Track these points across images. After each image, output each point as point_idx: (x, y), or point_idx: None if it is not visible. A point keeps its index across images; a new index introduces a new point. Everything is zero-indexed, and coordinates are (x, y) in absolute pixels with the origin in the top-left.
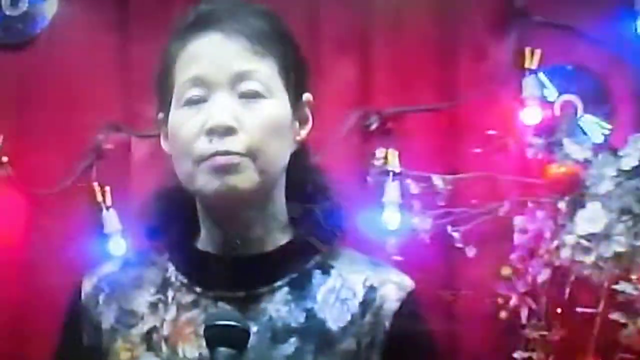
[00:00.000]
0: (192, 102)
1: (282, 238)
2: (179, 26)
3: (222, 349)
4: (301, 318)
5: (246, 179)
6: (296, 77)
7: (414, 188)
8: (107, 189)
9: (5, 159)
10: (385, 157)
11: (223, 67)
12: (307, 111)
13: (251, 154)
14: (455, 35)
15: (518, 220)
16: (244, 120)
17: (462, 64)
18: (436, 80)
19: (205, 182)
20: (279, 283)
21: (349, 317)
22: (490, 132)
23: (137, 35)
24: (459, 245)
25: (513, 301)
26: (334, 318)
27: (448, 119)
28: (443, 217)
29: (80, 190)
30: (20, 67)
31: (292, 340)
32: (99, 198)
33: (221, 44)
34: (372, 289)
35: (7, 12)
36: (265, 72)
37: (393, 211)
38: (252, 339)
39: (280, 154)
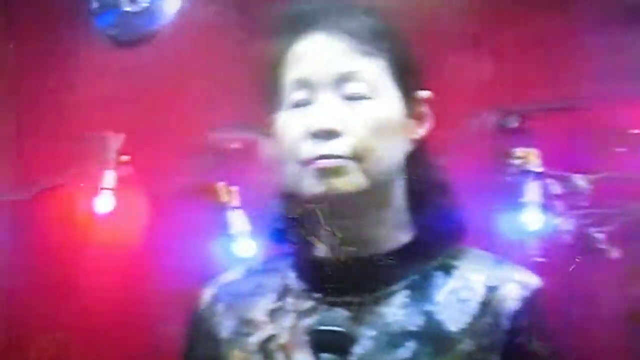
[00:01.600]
0: (298, 105)
1: (402, 239)
2: (280, 24)
3: (325, 355)
4: (419, 321)
5: (351, 181)
6: (407, 75)
7: (555, 188)
8: (233, 189)
9: (125, 158)
10: (525, 157)
11: (327, 68)
12: (424, 109)
13: (356, 157)
14: (597, 30)
15: None
16: (348, 123)
17: (604, 60)
18: (577, 77)
19: (310, 185)
20: (397, 286)
21: (468, 318)
22: (634, 131)
23: (261, 33)
24: (602, 246)
25: None
26: (454, 319)
27: (589, 117)
28: (585, 218)
29: (204, 190)
30: (140, 64)
31: (409, 344)
32: (224, 198)
33: (325, 45)
34: (492, 288)
35: (126, 9)
36: (371, 71)
37: (533, 211)
38: (369, 344)
39: (389, 155)
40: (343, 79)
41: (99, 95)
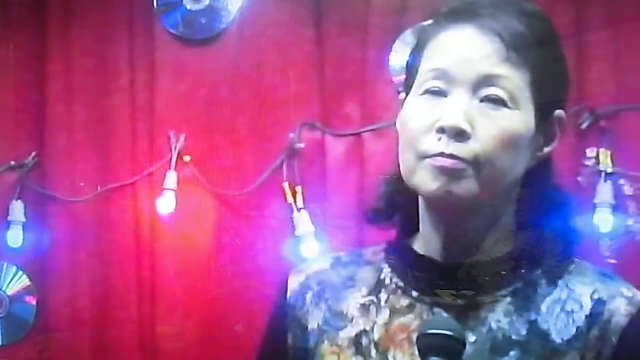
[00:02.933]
0: (431, 94)
1: (507, 247)
2: (437, 13)
3: (435, 359)
4: (523, 330)
5: (465, 187)
6: (550, 91)
7: (628, 189)
8: (299, 189)
9: (188, 158)
10: (597, 157)
11: (470, 65)
12: (556, 128)
13: (477, 164)
14: None
15: None
16: (478, 127)
17: None
18: None
19: (424, 179)
20: (502, 293)
21: (574, 331)
22: None
23: (332, 31)
24: None
25: None
26: (559, 330)
27: None
28: None
29: (272, 191)
30: (204, 63)
31: (513, 353)
32: (290, 199)
33: (473, 41)
34: (600, 302)
35: (189, 7)
36: (514, 81)
37: (606, 213)
38: (470, 350)
39: (511, 169)
40: (484, 80)
41: (164, 96)
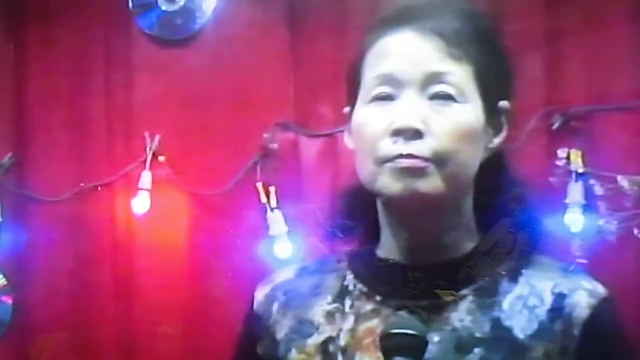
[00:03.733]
0: (380, 100)
1: (468, 246)
2: (375, 21)
3: (399, 358)
4: (486, 327)
5: (430, 184)
6: (494, 83)
7: (598, 189)
8: (272, 189)
9: (162, 158)
10: (568, 157)
11: (415, 66)
12: (503, 119)
13: (437, 160)
14: None
15: None
16: (432, 124)
17: None
18: (627, 77)
19: (387, 183)
20: (464, 291)
21: (536, 325)
22: None
23: (306, 32)
24: None
25: None
26: (521, 326)
27: (637, 117)
28: (630, 219)
29: (246, 191)
30: (179, 64)
31: (477, 350)
32: (264, 199)
33: (415, 43)
34: (561, 295)
35: (164, 8)
36: (459, 75)
37: (576, 212)
38: (435, 350)
39: (468, 162)
40: (430, 78)
41: (140, 96)
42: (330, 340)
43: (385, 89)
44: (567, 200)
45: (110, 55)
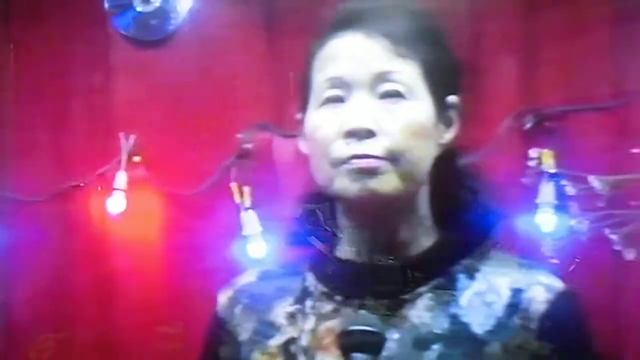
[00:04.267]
0: (330, 103)
1: (426, 243)
2: (322, 25)
3: (357, 355)
4: (445, 323)
5: (387, 182)
6: (442, 79)
7: (570, 189)
8: (246, 189)
9: (137, 158)
10: (540, 158)
11: (363, 67)
12: (453, 114)
13: (391, 158)
14: (623, 30)
15: None
16: (383, 123)
17: (630, 60)
18: (602, 77)
19: (344, 185)
20: (422, 289)
21: (494, 321)
22: None
23: (283, 31)
24: (618, 247)
25: None
26: (479, 322)
27: (611, 117)
28: (601, 220)
29: (222, 191)
30: (155, 64)
31: (436, 346)
32: (238, 199)
33: (362, 44)
34: (518, 291)
35: (139, 8)
36: (407, 73)
37: (548, 213)
38: (394, 346)
39: (422, 158)
40: (379, 78)
41: (117, 96)
42: (292, 341)
43: (336, 92)
44: (538, 201)
45: (86, 56)
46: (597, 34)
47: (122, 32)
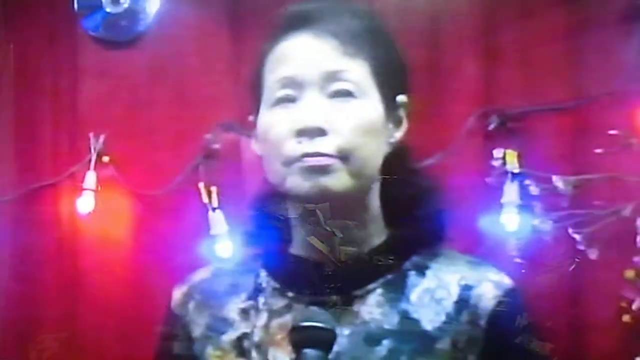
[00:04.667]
0: (283, 102)
1: (377, 240)
2: (272, 26)
3: (308, 351)
4: (395, 319)
5: (338, 180)
6: (390, 78)
7: (534, 189)
8: (214, 189)
9: (106, 158)
10: (504, 158)
11: (313, 67)
12: (402, 113)
13: (342, 156)
14: (582, 32)
15: None
16: (334, 121)
17: (588, 62)
18: (561, 79)
19: (295, 183)
20: (373, 285)
21: (443, 317)
22: (615, 132)
23: (250, 32)
24: (581, 247)
25: (636, 304)
26: (429, 318)
27: (572, 118)
28: (565, 219)
29: (189, 191)
30: (124, 65)
31: (386, 342)
32: (206, 199)
33: (311, 45)
34: (467, 287)
35: (109, 9)
36: (356, 72)
37: (512, 212)
38: (345, 342)
39: (372, 156)
40: (329, 77)
41: (85, 97)
42: (244, 336)
43: (287, 92)
44: (503, 200)
45: (55, 56)
46: (560, 34)
47: (91, 33)
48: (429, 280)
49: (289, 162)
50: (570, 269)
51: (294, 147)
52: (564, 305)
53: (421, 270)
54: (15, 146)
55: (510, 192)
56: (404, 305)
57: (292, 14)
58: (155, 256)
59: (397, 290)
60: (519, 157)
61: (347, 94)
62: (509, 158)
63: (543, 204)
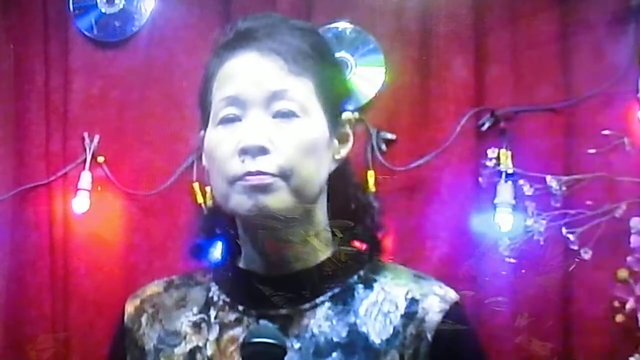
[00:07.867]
0: (227, 121)
1: (324, 255)
2: (218, 42)
3: None
4: (343, 332)
5: (279, 199)
6: (335, 96)
7: (527, 189)
8: (208, 189)
9: (101, 159)
10: (498, 158)
11: (257, 86)
12: (347, 129)
13: (283, 174)
14: (572, 33)
15: (635, 222)
16: (277, 140)
17: (579, 63)
18: (552, 79)
19: (238, 202)
20: (321, 299)
21: (391, 330)
22: (607, 132)
23: None
24: (574, 247)
25: (630, 304)
26: (377, 331)
27: (564, 118)
28: (558, 219)
29: (182, 191)
30: (117, 65)
31: (335, 354)
32: (200, 199)
33: (256, 63)
34: (414, 301)
35: (104, 10)
36: (300, 91)
37: (505, 212)
38: (295, 356)
39: (315, 174)
40: (273, 97)
41: (78, 97)
42: (197, 349)
43: (232, 110)
44: (496, 200)
45: (48, 56)
46: (552, 34)
47: (85, 33)
48: (376, 293)
49: (232, 180)
50: (570, 269)
51: (237, 165)
52: (557, 305)
53: (368, 284)
54: (9, 146)
55: (504, 192)
56: (351, 319)
57: (239, 30)
58: (149, 256)
59: (345, 303)
60: (512, 157)
61: (291, 113)
62: (503, 158)
63: (536, 204)
